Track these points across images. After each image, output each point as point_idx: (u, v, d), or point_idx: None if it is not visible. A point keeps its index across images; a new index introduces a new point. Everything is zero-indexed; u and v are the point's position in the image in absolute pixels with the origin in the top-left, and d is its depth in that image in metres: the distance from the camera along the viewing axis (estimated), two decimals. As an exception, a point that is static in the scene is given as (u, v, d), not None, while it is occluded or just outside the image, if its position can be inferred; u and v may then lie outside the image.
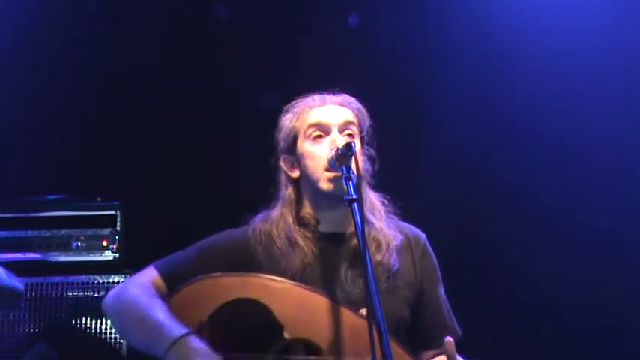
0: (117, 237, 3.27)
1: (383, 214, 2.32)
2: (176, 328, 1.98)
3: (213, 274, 2.13)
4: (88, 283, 3.19)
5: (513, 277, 3.62)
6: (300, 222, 2.26)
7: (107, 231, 3.27)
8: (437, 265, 2.37)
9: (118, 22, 3.82)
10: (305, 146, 2.26)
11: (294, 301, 2.09)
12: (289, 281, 2.13)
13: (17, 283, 2.75)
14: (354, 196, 1.93)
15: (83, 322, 3.15)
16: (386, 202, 2.35)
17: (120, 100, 3.83)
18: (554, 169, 3.75)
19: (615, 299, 3.55)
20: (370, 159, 2.35)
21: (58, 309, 3.16)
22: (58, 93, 3.78)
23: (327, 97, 2.33)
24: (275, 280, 2.13)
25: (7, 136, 3.66)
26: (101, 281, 3.19)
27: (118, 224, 3.28)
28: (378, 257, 2.21)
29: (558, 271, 3.62)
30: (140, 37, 3.80)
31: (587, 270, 3.56)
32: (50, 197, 3.37)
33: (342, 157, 2.05)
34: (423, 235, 2.38)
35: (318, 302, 2.10)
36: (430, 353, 2.23)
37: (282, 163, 2.33)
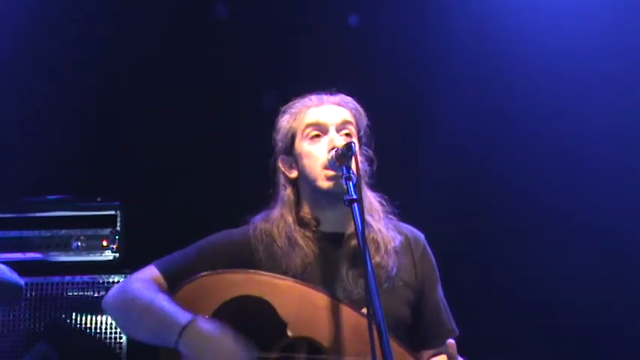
0: (117, 237, 3.27)
1: (381, 214, 2.32)
2: (183, 315, 1.99)
3: (214, 271, 2.13)
4: (88, 283, 3.19)
5: (513, 277, 3.62)
6: (301, 222, 2.27)
7: (107, 231, 3.27)
8: (436, 266, 2.37)
9: (118, 22, 3.82)
10: (303, 146, 2.27)
11: (297, 299, 2.10)
12: (292, 279, 2.14)
13: (18, 279, 2.76)
14: (354, 196, 1.93)
15: (83, 322, 3.15)
16: (384, 202, 2.35)
17: (120, 100, 3.83)
18: (554, 169, 3.75)
19: (615, 299, 3.55)
20: (368, 159, 2.35)
21: (58, 309, 3.16)
22: (58, 93, 3.78)
23: (325, 97, 2.34)
24: (278, 277, 2.14)
25: (7, 136, 3.66)
26: (101, 281, 3.19)
27: (118, 224, 3.28)
28: (377, 259, 2.21)
29: (558, 271, 3.62)
30: (140, 37, 3.80)
31: (587, 270, 3.56)
32: (50, 197, 3.36)
33: (342, 157, 2.06)
34: (422, 236, 2.39)
35: (320, 301, 2.10)
36: (429, 353, 2.23)
37: (280, 164, 2.34)
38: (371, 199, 2.33)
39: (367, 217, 2.26)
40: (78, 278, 3.19)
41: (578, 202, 3.68)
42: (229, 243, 2.27)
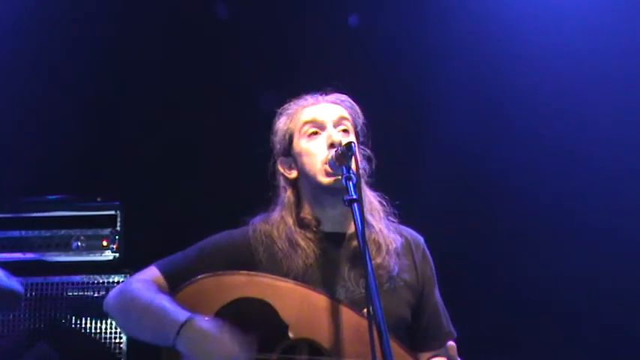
0: (117, 237, 3.27)
1: (381, 214, 2.32)
2: (182, 314, 1.99)
3: (214, 274, 2.13)
4: (88, 283, 3.19)
5: (513, 277, 3.62)
6: (301, 223, 2.26)
7: (107, 231, 3.27)
8: (434, 269, 2.38)
9: (118, 22, 3.82)
10: (301, 144, 2.27)
11: (298, 301, 2.10)
12: (293, 281, 2.14)
13: (16, 284, 2.75)
14: (354, 196, 1.93)
15: (83, 322, 3.15)
16: (384, 202, 2.36)
17: (120, 100, 3.83)
18: (554, 169, 3.75)
19: (615, 299, 3.55)
20: (366, 158, 2.36)
21: (58, 309, 3.16)
22: (58, 93, 3.78)
23: (320, 97, 2.36)
24: (279, 279, 2.14)
25: (7, 136, 3.66)
26: (101, 281, 3.19)
27: (118, 224, 3.28)
28: (379, 260, 2.22)
29: (558, 271, 3.62)
30: (140, 37, 3.80)
31: (587, 270, 3.56)
32: (50, 197, 3.37)
33: (342, 157, 2.06)
34: (421, 239, 2.40)
35: (321, 302, 2.10)
36: (428, 355, 2.24)
37: (279, 166, 2.34)
38: (371, 198, 2.34)
39: (368, 217, 2.26)
40: (78, 278, 3.20)
41: (578, 203, 3.68)
42: (230, 244, 2.27)
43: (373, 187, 2.37)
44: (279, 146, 2.34)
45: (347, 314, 2.09)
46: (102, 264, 3.24)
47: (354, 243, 2.21)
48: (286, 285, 2.13)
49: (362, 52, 3.85)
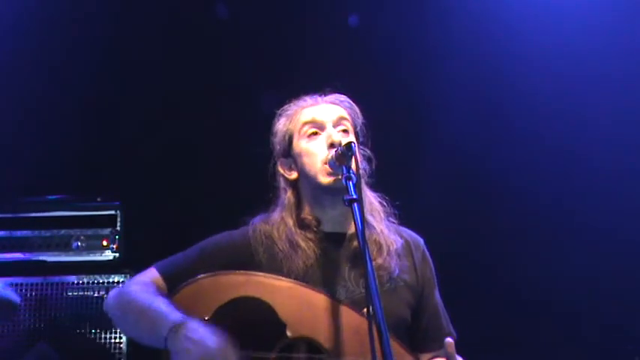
0: (117, 237, 3.27)
1: (382, 215, 2.32)
2: (175, 315, 1.99)
3: (212, 273, 2.13)
4: (88, 283, 3.19)
5: (513, 277, 3.62)
6: (301, 224, 2.26)
7: (107, 231, 3.27)
8: (434, 270, 2.38)
9: (118, 22, 3.82)
10: (301, 144, 2.27)
11: (297, 300, 2.10)
12: (292, 280, 2.14)
13: (13, 294, 2.75)
14: (354, 196, 1.93)
15: (83, 322, 3.15)
16: (384, 202, 2.36)
17: (120, 100, 3.83)
18: (554, 169, 3.75)
19: (615, 299, 3.55)
20: (366, 158, 2.36)
21: (58, 309, 3.16)
22: (58, 93, 3.78)
23: (319, 97, 2.36)
24: (278, 279, 2.14)
25: (7, 136, 3.66)
26: (101, 281, 3.19)
27: (118, 224, 3.28)
28: (380, 260, 2.22)
29: (558, 271, 3.62)
30: (140, 37, 3.80)
31: (587, 270, 3.56)
32: (50, 197, 3.36)
33: (342, 157, 2.06)
34: (421, 240, 2.40)
35: (320, 301, 2.11)
36: (428, 356, 2.23)
37: (279, 167, 2.34)
38: (371, 199, 2.34)
39: (368, 218, 2.26)
40: (78, 278, 3.19)
41: (578, 203, 3.68)
42: (230, 245, 2.27)
43: (373, 187, 2.37)
44: (278, 147, 2.34)
45: (347, 314, 2.09)
46: (102, 264, 3.24)
47: (355, 243, 2.21)
48: (285, 284, 2.13)
49: (362, 52, 3.85)
